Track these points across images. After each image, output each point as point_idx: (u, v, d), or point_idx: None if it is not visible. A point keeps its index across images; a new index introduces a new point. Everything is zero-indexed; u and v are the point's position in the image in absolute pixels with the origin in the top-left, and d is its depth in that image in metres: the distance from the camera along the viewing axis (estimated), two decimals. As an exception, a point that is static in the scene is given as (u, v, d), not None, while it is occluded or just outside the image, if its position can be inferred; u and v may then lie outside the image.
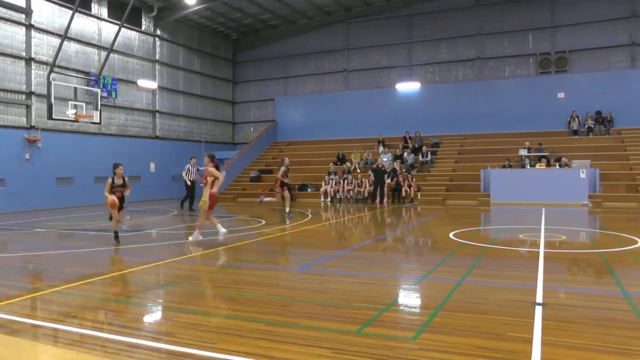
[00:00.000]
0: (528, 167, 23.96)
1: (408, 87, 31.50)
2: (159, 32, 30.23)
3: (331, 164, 27.62)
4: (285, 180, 17.95)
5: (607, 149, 25.76)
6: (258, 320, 5.68)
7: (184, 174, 21.59)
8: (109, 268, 8.85)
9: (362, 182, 25.57)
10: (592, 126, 27.50)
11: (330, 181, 26.04)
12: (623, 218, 17.73)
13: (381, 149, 28.79)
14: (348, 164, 27.72)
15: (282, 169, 18.00)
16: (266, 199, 20.44)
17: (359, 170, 27.18)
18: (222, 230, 11.63)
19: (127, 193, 11.94)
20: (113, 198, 11.45)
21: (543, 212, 18.38)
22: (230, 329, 5.38)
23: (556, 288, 7.29)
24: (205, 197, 11.62)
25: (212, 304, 6.53)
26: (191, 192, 21.52)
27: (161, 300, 6.91)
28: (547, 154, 24.81)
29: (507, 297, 6.88)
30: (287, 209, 17.73)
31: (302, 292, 7.17)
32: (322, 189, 26.00)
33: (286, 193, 17.98)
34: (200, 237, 11.72)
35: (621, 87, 27.36)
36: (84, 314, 6.12)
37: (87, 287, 7.52)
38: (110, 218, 12.23)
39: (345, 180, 25.85)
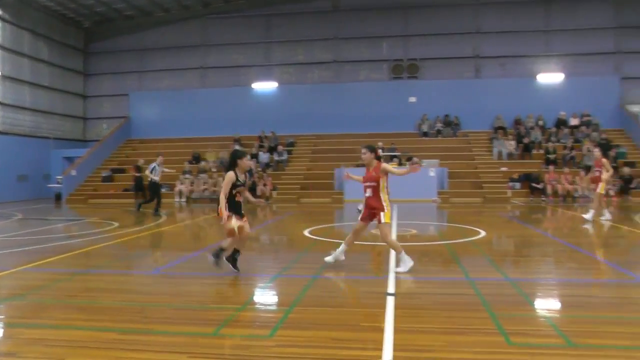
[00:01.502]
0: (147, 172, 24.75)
1: (265, 86, 31.71)
2: (0, 11, 27.72)
3: (186, 162, 27.10)
4: None
5: (454, 149, 27.79)
6: (110, 329, 5.42)
7: (148, 172, 18.90)
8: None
9: (217, 181, 25.34)
10: (441, 129, 29.50)
11: (185, 181, 25.55)
12: (468, 212, 19.18)
13: (237, 147, 28.67)
14: (203, 163, 27.34)
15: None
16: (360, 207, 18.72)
17: (214, 170, 26.87)
18: (339, 252, 8.61)
19: (250, 198, 8.41)
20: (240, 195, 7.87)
21: (395, 208, 19.25)
22: (80, 341, 5.08)
23: (407, 278, 7.71)
24: (389, 209, 8.23)
25: (61, 316, 6.07)
26: (157, 194, 19.03)
27: (2, 317, 6.24)
28: (399, 153, 26.12)
29: (360, 289, 7.20)
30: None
31: (156, 297, 6.96)
32: (176, 189, 25.39)
33: None
34: (411, 262, 8.10)
35: (467, 94, 29.76)
36: None
37: None
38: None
39: (201, 180, 25.50)
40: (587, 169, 24.23)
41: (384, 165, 8.27)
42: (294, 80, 32.20)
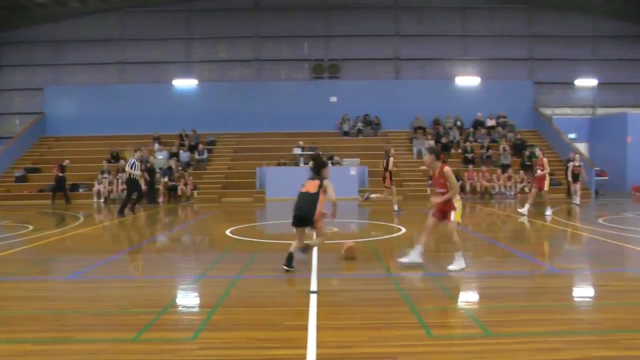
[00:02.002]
0: (302, 165, 25.17)
1: (185, 83, 31.13)
2: None
3: (104, 162, 26.21)
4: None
5: (374, 148, 28.25)
6: (25, 340, 5.14)
7: (128, 168, 17.66)
8: None
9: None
10: (362, 128, 29.94)
11: (104, 180, 24.73)
12: (389, 209, 19.45)
13: (157, 146, 28.07)
14: (122, 162, 26.51)
15: (392, 160, 17.53)
16: (373, 196, 18.35)
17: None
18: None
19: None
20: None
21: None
22: (-10, 354, 4.77)
23: (329, 276, 7.85)
24: (460, 209, 8.23)
25: (-31, 327, 5.68)
26: (138, 191, 18.06)
27: None
28: (320, 153, 26.25)
29: (282, 288, 7.22)
30: (396, 207, 17.33)
31: (74, 303, 6.66)
32: (94, 189, 24.52)
33: (394, 188, 17.44)
34: (464, 264, 8.13)
35: (387, 95, 30.53)
36: None
37: None
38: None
39: (120, 180, 24.74)
40: (504, 167, 25.48)
41: (446, 170, 8.12)
42: (214, 77, 31.79)
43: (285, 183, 23.27)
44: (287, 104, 30.12)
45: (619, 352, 4.70)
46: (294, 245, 8.11)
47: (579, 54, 32.23)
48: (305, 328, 5.24)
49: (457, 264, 8.06)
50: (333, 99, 30.58)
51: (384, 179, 17.64)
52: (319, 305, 6.09)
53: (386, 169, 17.73)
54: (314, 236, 8.74)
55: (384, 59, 31.76)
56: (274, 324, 5.50)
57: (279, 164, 25.46)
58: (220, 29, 31.48)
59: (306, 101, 30.26)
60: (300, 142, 27.08)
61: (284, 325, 5.46)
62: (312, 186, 8.36)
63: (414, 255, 8.26)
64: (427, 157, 8.29)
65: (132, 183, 17.84)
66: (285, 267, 7.82)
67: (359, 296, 6.75)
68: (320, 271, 7.98)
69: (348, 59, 31.49)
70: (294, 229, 8.27)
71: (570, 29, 32.14)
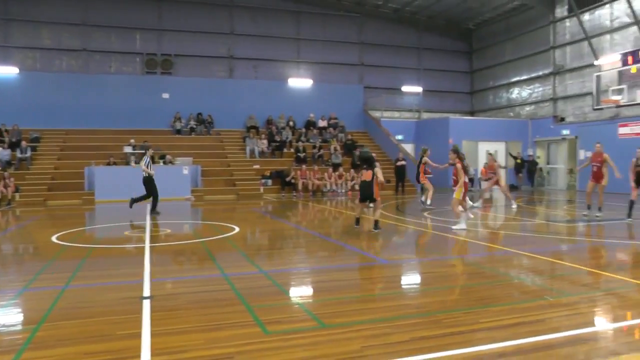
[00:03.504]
0: (133, 164, 24.24)
1: (4, 71, 28.11)
2: None
3: None
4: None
5: (207, 147, 28.09)
6: None
7: (144, 166, 17.08)
8: None
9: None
10: (195, 126, 29.47)
11: None
12: (222, 209, 19.53)
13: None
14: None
15: (425, 158, 18.43)
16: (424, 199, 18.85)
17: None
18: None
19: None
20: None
21: (148, 207, 18.80)
22: None
23: (163, 279, 7.65)
24: (459, 190, 12.77)
25: None
26: (154, 189, 17.19)
27: None
28: (152, 151, 25.48)
29: (114, 296, 6.87)
30: (429, 201, 18.38)
31: None
32: None
33: (428, 183, 18.59)
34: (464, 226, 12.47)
35: (221, 93, 30.54)
36: None
37: None
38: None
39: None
40: (335, 166, 26.53)
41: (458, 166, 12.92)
42: (38, 67, 29.31)
43: (116, 184, 22.37)
44: (118, 99, 28.79)
45: (442, 331, 5.18)
46: (375, 214, 12.31)
47: (406, 63, 35.24)
48: (138, 336, 5.06)
49: (460, 225, 12.35)
50: (165, 95, 29.81)
51: (418, 174, 18.82)
52: (152, 310, 5.91)
53: (419, 165, 18.93)
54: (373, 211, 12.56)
55: (218, 57, 31.71)
56: (105, 335, 5.23)
57: (109, 164, 24.25)
58: (43, 13, 29.02)
59: (138, 97, 29.16)
60: (132, 140, 26.07)
61: (116, 335, 5.21)
62: (367, 175, 12.23)
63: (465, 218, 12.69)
64: (452, 155, 13.05)
65: (150, 181, 17.12)
66: (375, 230, 12.02)
67: (194, 298, 6.66)
68: (154, 275, 7.77)
69: (182, 55, 30.96)
70: (358, 203, 12.87)
71: (398, 39, 35.02)
